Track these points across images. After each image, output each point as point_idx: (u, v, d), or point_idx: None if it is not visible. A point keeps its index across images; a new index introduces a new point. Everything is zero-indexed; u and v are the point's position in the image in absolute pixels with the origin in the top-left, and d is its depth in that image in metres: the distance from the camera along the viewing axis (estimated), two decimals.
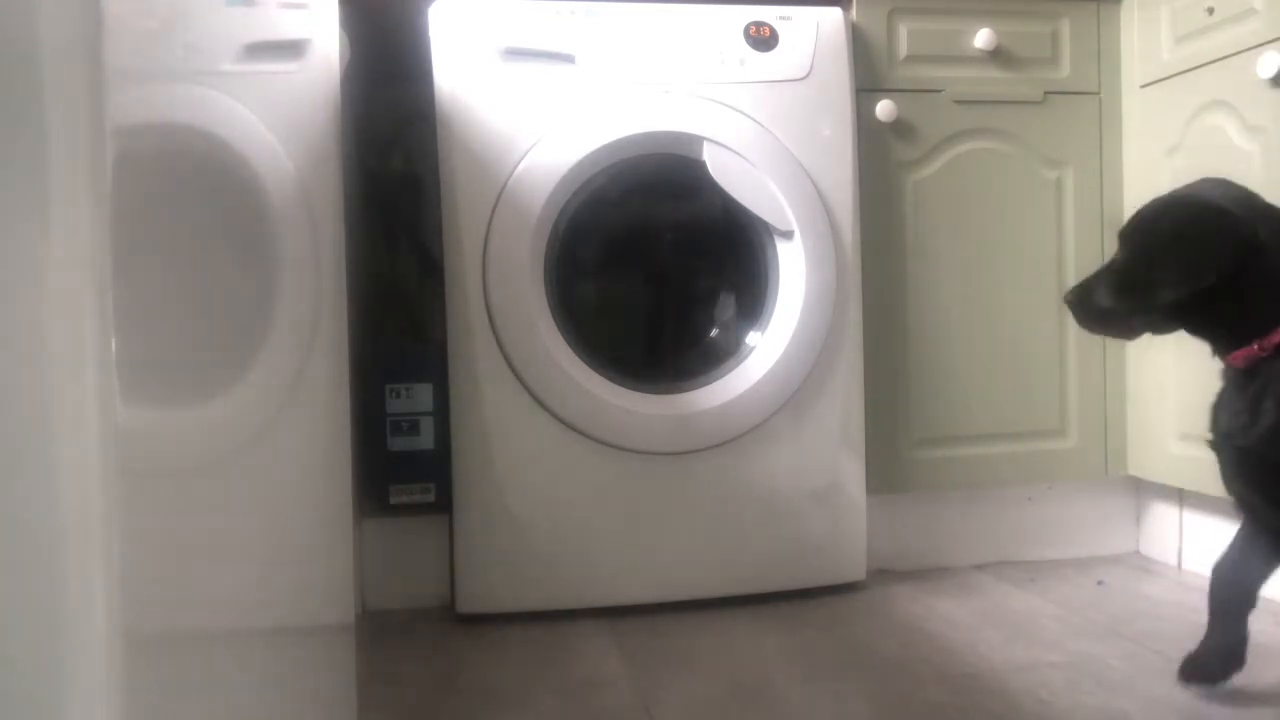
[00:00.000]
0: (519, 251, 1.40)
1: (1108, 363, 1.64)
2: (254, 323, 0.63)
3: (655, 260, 1.62)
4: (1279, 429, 0.95)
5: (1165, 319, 1.03)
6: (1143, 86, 1.58)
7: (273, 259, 0.68)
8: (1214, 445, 1.04)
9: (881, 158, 1.58)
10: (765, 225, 1.48)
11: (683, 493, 1.47)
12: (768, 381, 1.46)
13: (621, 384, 1.45)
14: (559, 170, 1.41)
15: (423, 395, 1.53)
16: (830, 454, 1.51)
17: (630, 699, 1.14)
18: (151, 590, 0.42)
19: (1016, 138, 1.62)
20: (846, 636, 1.33)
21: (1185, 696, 1.08)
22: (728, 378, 1.47)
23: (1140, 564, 1.66)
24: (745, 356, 1.49)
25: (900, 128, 1.58)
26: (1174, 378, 1.50)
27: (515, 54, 1.43)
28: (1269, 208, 0.99)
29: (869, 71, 1.57)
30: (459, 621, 1.44)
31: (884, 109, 1.56)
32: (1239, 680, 1.08)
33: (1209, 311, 0.99)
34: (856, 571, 1.54)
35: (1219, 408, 1.03)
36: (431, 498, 1.52)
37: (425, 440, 1.53)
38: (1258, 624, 1.09)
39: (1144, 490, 1.71)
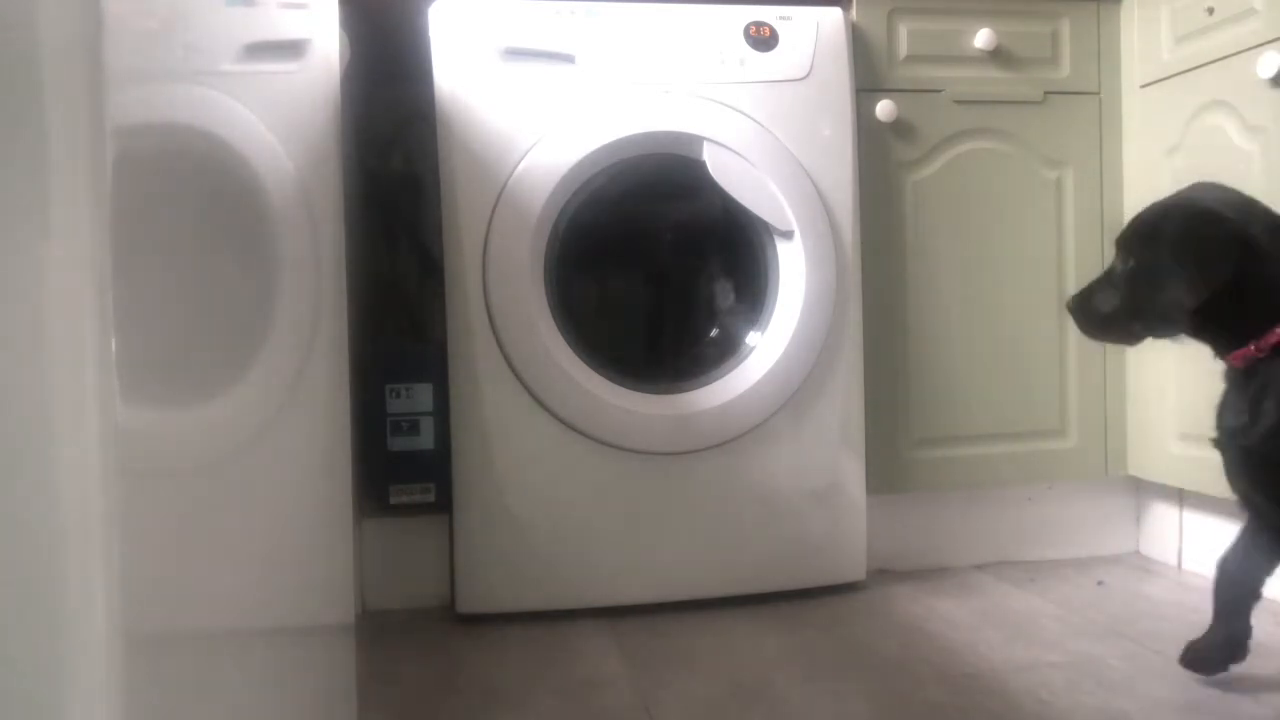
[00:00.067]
0: (519, 251, 1.40)
1: (1108, 363, 1.64)
2: (254, 323, 0.63)
3: (655, 260, 1.62)
4: (1279, 429, 0.96)
5: (1166, 324, 1.04)
6: (1143, 86, 1.58)
7: (273, 259, 0.68)
8: (1218, 444, 1.05)
9: (881, 158, 1.58)
10: (765, 225, 1.48)
11: (683, 493, 1.47)
12: (768, 381, 1.46)
13: (621, 384, 1.44)
14: (559, 170, 1.41)
15: (423, 395, 1.53)
16: (830, 454, 1.51)
17: (630, 699, 1.14)
18: (151, 590, 0.42)
19: (1016, 138, 1.62)
20: (846, 636, 1.33)
21: (1186, 697, 1.08)
22: (728, 378, 1.47)
23: (1140, 564, 1.66)
24: (745, 356, 1.49)
25: (900, 128, 1.58)
26: (1174, 378, 1.51)
27: (515, 54, 1.43)
28: (1265, 211, 1.01)
29: (869, 71, 1.57)
30: (459, 621, 1.44)
31: (884, 109, 1.56)
32: (1238, 680, 1.08)
33: (1208, 315, 1.00)
34: (856, 571, 1.54)
35: (1223, 407, 1.05)
36: (431, 498, 1.52)
37: (425, 440, 1.53)
38: (1259, 624, 1.10)
39: (1144, 490, 1.71)
